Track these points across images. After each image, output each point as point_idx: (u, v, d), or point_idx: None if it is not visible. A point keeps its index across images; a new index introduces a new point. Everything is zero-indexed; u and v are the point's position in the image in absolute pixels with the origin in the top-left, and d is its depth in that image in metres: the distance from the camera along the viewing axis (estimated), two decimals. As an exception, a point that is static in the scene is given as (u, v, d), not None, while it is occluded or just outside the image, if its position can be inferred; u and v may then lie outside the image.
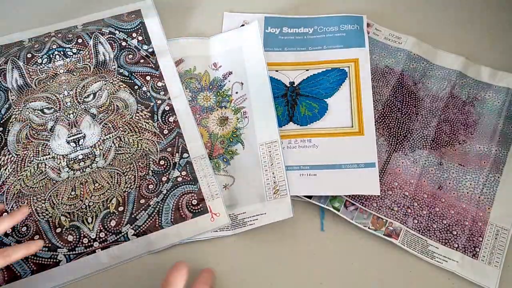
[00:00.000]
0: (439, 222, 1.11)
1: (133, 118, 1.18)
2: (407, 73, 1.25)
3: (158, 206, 1.11)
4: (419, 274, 1.08)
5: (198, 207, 1.12)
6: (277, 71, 1.26)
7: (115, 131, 1.17)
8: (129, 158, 1.14)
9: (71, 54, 1.24)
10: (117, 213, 1.10)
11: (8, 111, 1.18)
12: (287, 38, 1.31)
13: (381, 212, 1.12)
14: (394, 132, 1.19)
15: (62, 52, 1.24)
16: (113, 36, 1.27)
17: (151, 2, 1.34)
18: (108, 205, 1.10)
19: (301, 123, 1.20)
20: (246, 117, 1.21)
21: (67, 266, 1.06)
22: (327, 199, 1.13)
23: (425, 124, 1.20)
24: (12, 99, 1.19)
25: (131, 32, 1.28)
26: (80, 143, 1.15)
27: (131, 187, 1.12)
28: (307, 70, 1.26)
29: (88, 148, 1.15)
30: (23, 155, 1.14)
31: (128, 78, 1.22)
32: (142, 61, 1.25)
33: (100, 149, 1.15)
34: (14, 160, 1.13)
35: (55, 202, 1.10)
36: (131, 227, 1.09)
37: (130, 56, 1.25)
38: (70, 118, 1.17)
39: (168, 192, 1.12)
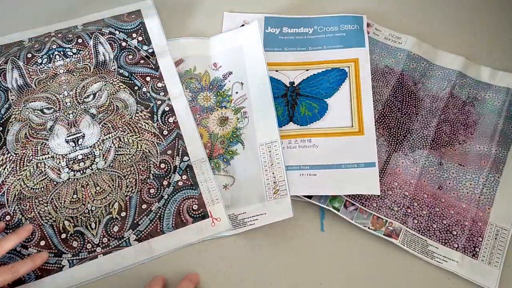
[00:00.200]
0: (439, 222, 1.11)
1: (133, 118, 1.17)
2: (407, 73, 1.24)
3: (159, 211, 1.10)
4: (419, 274, 1.07)
5: (199, 212, 1.11)
6: (277, 71, 1.25)
7: (115, 131, 1.16)
8: (129, 160, 1.14)
9: (71, 54, 1.23)
10: (119, 219, 1.09)
11: (8, 111, 1.17)
12: (287, 38, 1.31)
13: (381, 212, 1.11)
14: (394, 132, 1.18)
15: (62, 52, 1.23)
16: (113, 36, 1.26)
17: (151, 2, 1.33)
18: (111, 210, 1.10)
19: (301, 123, 1.19)
20: (246, 117, 1.20)
21: (70, 271, 1.06)
22: (327, 199, 1.12)
23: (425, 124, 1.19)
24: (12, 99, 1.18)
25: (131, 32, 1.27)
26: (79, 142, 1.14)
27: (133, 191, 1.11)
28: (307, 70, 1.26)
29: (87, 148, 1.14)
30: (21, 154, 1.13)
31: (128, 79, 1.22)
32: (142, 61, 1.24)
33: (99, 149, 1.14)
34: (13, 159, 1.13)
35: (57, 205, 1.09)
36: (133, 232, 1.09)
37: (130, 57, 1.24)
38: (69, 118, 1.16)
39: (169, 197, 1.12)
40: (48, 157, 1.13)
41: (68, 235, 1.08)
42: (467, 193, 1.13)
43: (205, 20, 1.33)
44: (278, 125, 1.17)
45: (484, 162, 1.15)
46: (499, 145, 1.17)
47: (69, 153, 1.13)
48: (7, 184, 1.11)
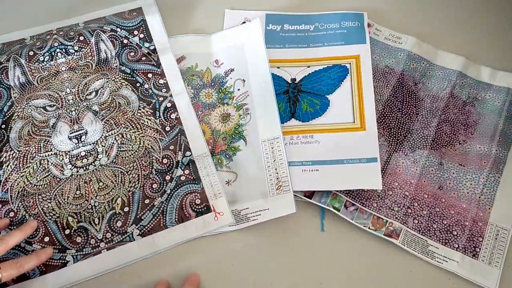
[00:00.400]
0: (439, 222, 1.08)
1: (135, 115, 1.15)
2: (407, 73, 1.22)
3: (162, 206, 1.08)
4: (419, 274, 1.05)
5: (202, 206, 1.09)
6: (278, 68, 1.23)
7: (117, 127, 1.14)
8: (131, 156, 1.12)
9: (73, 51, 1.21)
10: (122, 214, 1.07)
11: (11, 108, 1.15)
12: (288, 35, 1.28)
13: (381, 212, 1.09)
14: (394, 132, 1.16)
15: (64, 50, 1.21)
16: (115, 34, 1.23)
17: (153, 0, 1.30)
18: (114, 206, 1.08)
19: (303, 119, 1.17)
20: (248, 113, 1.18)
21: (74, 267, 1.04)
22: (327, 199, 1.09)
23: (425, 124, 1.17)
24: (15, 97, 1.16)
25: (133, 29, 1.25)
26: (82, 139, 1.12)
27: (135, 187, 1.09)
28: (308, 66, 1.23)
29: (90, 144, 1.12)
30: (25, 151, 1.11)
31: (130, 76, 1.19)
32: (144, 58, 1.21)
33: (102, 145, 1.12)
34: (16, 157, 1.10)
35: (61, 201, 1.07)
36: (136, 227, 1.06)
37: (132, 54, 1.22)
38: (72, 115, 1.14)
39: (172, 192, 1.09)
40: (51, 154, 1.11)
41: (72, 230, 1.06)
42: (468, 193, 1.10)
43: (207, 17, 1.31)
44: (280, 122, 1.15)
45: (485, 162, 1.13)
46: (500, 145, 1.14)
47: (72, 150, 1.11)
48: (11, 181, 1.08)
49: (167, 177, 1.11)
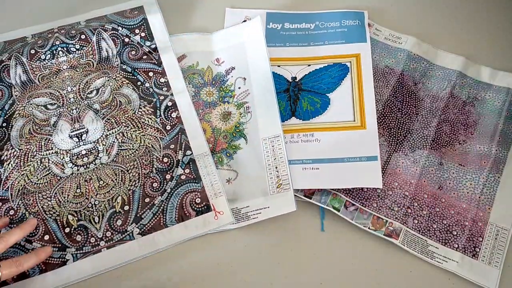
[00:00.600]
0: (439, 222, 1.06)
1: (136, 113, 1.14)
2: (407, 73, 1.20)
3: (162, 205, 1.07)
4: (419, 274, 1.03)
5: (202, 205, 1.07)
6: (279, 66, 1.22)
7: (118, 126, 1.12)
8: (132, 155, 1.10)
9: (74, 50, 1.19)
10: (122, 212, 1.06)
11: (12, 106, 1.13)
12: (289, 33, 1.27)
13: (381, 212, 1.07)
14: (394, 132, 1.14)
15: (65, 48, 1.19)
16: (116, 32, 1.21)
17: (154, -2, 1.29)
18: (114, 204, 1.06)
19: (303, 118, 1.15)
20: (249, 112, 1.16)
21: (74, 265, 1.02)
22: (327, 199, 1.08)
23: (425, 124, 1.15)
24: (16, 95, 1.14)
25: (134, 28, 1.23)
26: (83, 138, 1.10)
27: (136, 185, 1.08)
28: (309, 65, 1.22)
29: (91, 143, 1.10)
30: (25, 149, 1.09)
31: (131, 74, 1.17)
32: (145, 57, 1.20)
33: (103, 144, 1.10)
34: (17, 155, 1.09)
35: (61, 200, 1.05)
36: (137, 226, 1.05)
37: (133, 52, 1.20)
38: (73, 113, 1.12)
39: (172, 191, 1.08)
40: (52, 153, 1.09)
41: (72, 229, 1.04)
42: (467, 193, 1.08)
43: (207, 16, 1.30)
44: (281, 120, 1.13)
45: (485, 162, 1.11)
46: (500, 145, 1.12)
47: (73, 149, 1.10)
48: (11, 179, 1.07)
49: (168, 176, 1.09)
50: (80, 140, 1.10)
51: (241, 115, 1.16)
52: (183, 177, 1.09)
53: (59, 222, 1.04)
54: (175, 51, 1.21)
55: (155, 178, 1.08)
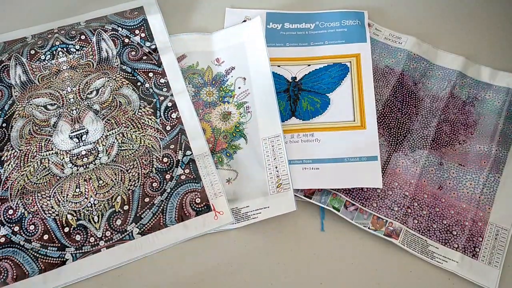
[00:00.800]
0: (439, 222, 1.06)
1: (136, 114, 1.14)
2: (407, 73, 1.20)
3: (162, 205, 1.07)
4: (419, 274, 1.03)
5: (202, 205, 1.07)
6: (279, 66, 1.22)
7: (118, 127, 1.12)
8: (132, 155, 1.10)
9: (74, 50, 1.19)
10: (122, 212, 1.06)
11: (12, 107, 1.13)
12: (289, 33, 1.27)
13: (381, 212, 1.07)
14: (394, 132, 1.14)
15: (65, 49, 1.19)
16: (116, 33, 1.21)
17: (154, -2, 1.29)
18: (114, 204, 1.06)
19: (303, 118, 1.15)
20: (249, 112, 1.16)
21: (73, 265, 1.02)
22: (327, 199, 1.08)
23: (425, 124, 1.15)
24: (16, 95, 1.14)
25: (134, 28, 1.23)
26: (83, 138, 1.10)
27: (135, 185, 1.08)
28: (309, 65, 1.22)
29: (91, 143, 1.10)
30: (26, 150, 1.09)
31: (131, 75, 1.17)
32: (145, 57, 1.20)
33: (103, 144, 1.10)
34: (17, 156, 1.09)
35: (60, 199, 1.05)
36: (136, 225, 1.05)
37: (133, 53, 1.20)
38: (73, 114, 1.12)
39: (172, 191, 1.08)
40: (52, 153, 1.09)
41: (71, 228, 1.04)
42: (467, 193, 1.08)
43: (207, 16, 1.30)
44: (281, 120, 1.13)
45: (484, 162, 1.11)
46: (499, 145, 1.12)
47: (73, 149, 1.10)
48: (11, 180, 1.07)
49: (167, 176, 1.09)
50: (80, 141, 1.10)
51: (241, 115, 1.16)
52: (183, 177, 1.09)
53: (58, 222, 1.04)
54: (175, 51, 1.21)
55: (155, 178, 1.08)
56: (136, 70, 1.18)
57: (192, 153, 1.11)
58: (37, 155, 1.09)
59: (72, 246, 1.03)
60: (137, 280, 1.02)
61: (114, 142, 1.11)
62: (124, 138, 1.11)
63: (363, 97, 1.15)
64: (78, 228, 1.04)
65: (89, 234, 1.04)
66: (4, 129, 1.11)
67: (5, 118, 1.12)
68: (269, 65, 1.17)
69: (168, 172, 1.09)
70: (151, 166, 1.09)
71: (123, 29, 1.22)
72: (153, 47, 1.21)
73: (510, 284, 1.01)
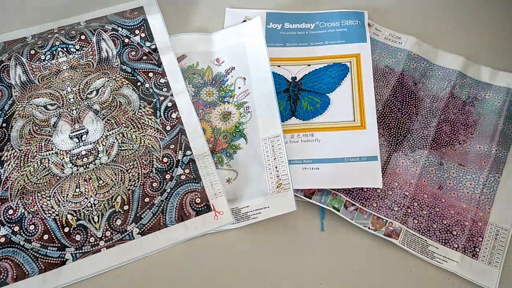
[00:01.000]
0: (439, 222, 1.06)
1: (136, 114, 1.14)
2: (407, 73, 1.20)
3: (162, 205, 1.07)
4: (419, 274, 1.03)
5: (202, 205, 1.07)
6: (279, 66, 1.22)
7: (118, 127, 1.12)
8: (132, 155, 1.10)
9: (74, 50, 1.19)
10: (122, 212, 1.06)
11: (12, 107, 1.13)
12: (289, 33, 1.27)
13: (381, 212, 1.07)
14: (394, 132, 1.14)
15: (65, 49, 1.19)
16: (116, 33, 1.21)
17: (154, -2, 1.29)
18: (114, 204, 1.06)
19: (303, 118, 1.15)
20: (249, 112, 1.16)
21: (73, 265, 1.02)
22: (327, 199, 1.08)
23: (425, 124, 1.15)
24: (16, 95, 1.14)
25: (134, 28, 1.23)
26: (83, 138, 1.10)
27: (135, 185, 1.08)
28: (309, 65, 1.22)
29: (91, 144, 1.10)
30: (26, 150, 1.09)
31: (131, 75, 1.17)
32: (145, 57, 1.20)
33: (103, 144, 1.10)
34: (17, 156, 1.09)
35: (60, 199, 1.05)
36: (136, 225, 1.05)
37: (133, 53, 1.20)
38: (73, 114, 1.12)
39: (172, 191, 1.08)
40: (52, 153, 1.09)
41: (71, 228, 1.04)
42: (467, 193, 1.08)
43: (207, 16, 1.30)
44: (281, 120, 1.13)
45: (484, 162, 1.11)
46: (499, 145, 1.12)
47: (73, 149, 1.10)
48: (11, 180, 1.07)
49: (167, 176, 1.09)
50: (80, 141, 1.10)
51: (241, 115, 1.16)
52: (183, 177, 1.09)
53: (58, 222, 1.04)
54: (175, 51, 1.21)
55: (155, 178, 1.08)
56: (136, 70, 1.18)
57: (192, 153, 1.11)
58: (37, 155, 1.08)
59: (72, 246, 1.02)
60: (137, 280, 1.02)
61: (114, 142, 1.10)
62: (124, 138, 1.11)
63: (363, 97, 1.15)
64: (78, 228, 1.04)
65: (89, 234, 1.03)
66: (4, 129, 1.11)
67: (5, 118, 1.11)
68: (269, 65, 1.17)
69: (168, 172, 1.09)
70: (151, 166, 1.09)
71: (123, 29, 1.22)
72: (153, 47, 1.21)
73: (510, 284, 1.01)
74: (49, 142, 1.09)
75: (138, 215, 1.05)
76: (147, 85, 1.16)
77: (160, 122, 1.13)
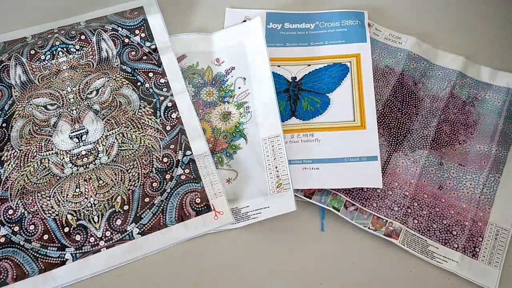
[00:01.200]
0: (439, 222, 1.06)
1: (136, 114, 1.14)
2: (407, 73, 1.20)
3: (162, 205, 1.07)
4: (419, 274, 1.03)
5: (202, 205, 1.07)
6: (279, 66, 1.22)
7: (118, 127, 1.12)
8: (132, 155, 1.10)
9: (74, 50, 1.19)
10: (122, 212, 1.06)
11: (12, 107, 1.13)
12: (289, 33, 1.26)
13: (381, 212, 1.06)
14: (394, 132, 1.14)
15: (65, 49, 1.19)
16: (116, 33, 1.21)
17: (154, -2, 1.29)
18: (114, 204, 1.06)
19: (303, 118, 1.15)
20: (248, 112, 1.16)
21: (73, 265, 1.02)
22: (327, 199, 1.07)
23: (425, 124, 1.15)
24: (16, 95, 1.14)
25: (134, 29, 1.23)
26: (83, 138, 1.10)
27: (135, 185, 1.07)
28: (309, 65, 1.21)
29: (91, 144, 1.10)
30: (26, 150, 1.09)
31: (131, 75, 1.17)
32: (145, 57, 1.20)
33: (103, 144, 1.10)
34: (17, 156, 1.09)
35: (60, 199, 1.05)
36: (136, 225, 1.05)
37: (133, 53, 1.20)
38: (73, 114, 1.12)
39: (172, 191, 1.08)
40: (52, 153, 1.09)
41: (71, 228, 1.04)
42: (467, 193, 1.08)
43: (207, 16, 1.29)
44: (281, 120, 1.13)
45: (484, 162, 1.11)
46: (499, 145, 1.12)
47: (73, 149, 1.09)
48: (11, 180, 1.06)
49: (167, 176, 1.09)
50: (80, 141, 1.10)
51: (241, 115, 1.16)
52: (183, 177, 1.09)
53: (58, 222, 1.04)
54: (175, 51, 1.21)
55: (155, 178, 1.08)
56: (136, 70, 1.18)
57: (192, 153, 1.10)
58: (37, 155, 1.08)
59: (72, 246, 1.02)
60: (137, 280, 1.02)
61: (114, 142, 1.10)
62: (124, 138, 1.11)
63: (363, 97, 1.15)
64: (78, 228, 1.04)
65: (89, 234, 1.03)
66: (4, 129, 1.10)
67: (5, 118, 1.11)
68: (269, 65, 1.17)
69: (168, 172, 1.09)
70: (151, 166, 1.09)
71: (123, 29, 1.22)
72: (153, 47, 1.21)
73: (510, 284, 1.01)
74: (49, 142, 1.09)
75: (138, 215, 1.05)
76: (147, 85, 1.16)
77: (160, 122, 1.13)
